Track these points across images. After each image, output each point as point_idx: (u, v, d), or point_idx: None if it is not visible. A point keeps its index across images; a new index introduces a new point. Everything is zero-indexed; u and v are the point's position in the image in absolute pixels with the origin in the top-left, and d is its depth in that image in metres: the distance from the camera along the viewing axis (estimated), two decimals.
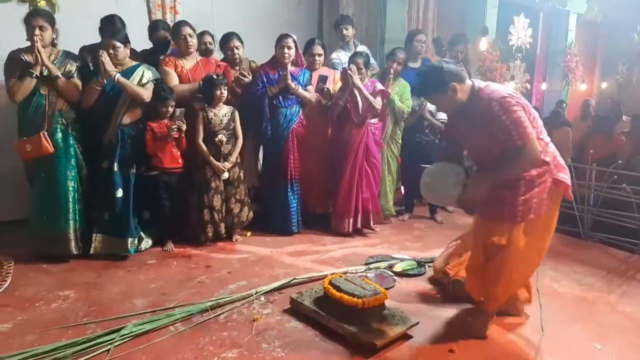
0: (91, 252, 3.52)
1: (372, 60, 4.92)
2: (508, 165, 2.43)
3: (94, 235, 3.55)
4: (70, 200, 3.43)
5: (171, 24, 4.73)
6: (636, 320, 2.94)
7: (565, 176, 2.57)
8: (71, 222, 3.44)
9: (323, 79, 4.20)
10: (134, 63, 3.61)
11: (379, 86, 4.21)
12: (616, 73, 9.92)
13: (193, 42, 3.85)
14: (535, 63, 8.79)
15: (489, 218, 2.57)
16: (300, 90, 4.10)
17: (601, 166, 4.67)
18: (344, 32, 4.76)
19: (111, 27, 3.65)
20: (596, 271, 3.70)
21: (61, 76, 3.37)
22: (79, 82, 3.46)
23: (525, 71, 8.38)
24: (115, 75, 3.40)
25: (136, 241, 3.65)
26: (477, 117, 2.45)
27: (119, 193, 3.54)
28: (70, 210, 3.43)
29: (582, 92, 9.41)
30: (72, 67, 3.46)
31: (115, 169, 3.53)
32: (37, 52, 3.23)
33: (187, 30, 3.82)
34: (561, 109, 7.46)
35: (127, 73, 3.52)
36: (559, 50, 8.87)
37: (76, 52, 3.72)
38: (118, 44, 3.46)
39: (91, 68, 3.62)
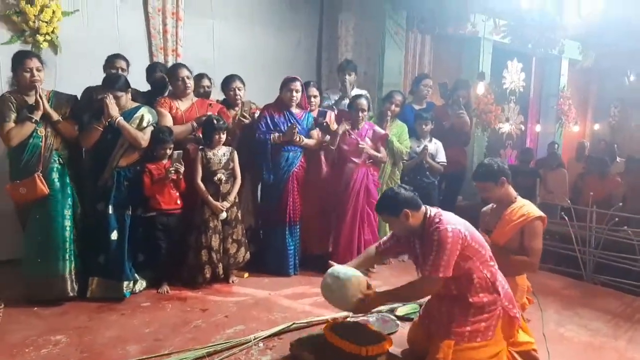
0: (88, 295, 3.44)
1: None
2: (407, 289, 2.62)
3: (90, 278, 3.47)
4: (67, 240, 3.37)
5: None
6: None
7: (514, 309, 2.64)
8: (67, 263, 3.36)
9: (322, 114, 4.23)
10: (135, 105, 3.62)
11: (378, 130, 4.23)
12: (608, 116, 10.09)
13: (190, 83, 3.88)
14: (528, 105, 8.93)
15: (437, 335, 2.58)
16: (306, 141, 4.10)
17: (597, 207, 4.66)
18: (347, 77, 4.81)
19: (111, 78, 3.60)
20: (601, 315, 3.63)
21: (61, 119, 3.38)
22: (73, 123, 3.47)
23: (519, 113, 8.53)
24: (117, 119, 3.41)
25: (131, 284, 3.56)
26: (426, 243, 2.56)
27: (114, 235, 3.48)
28: (67, 250, 3.36)
29: (575, 133, 9.56)
30: (67, 108, 3.47)
31: (110, 211, 3.48)
32: (38, 98, 3.25)
33: (185, 72, 3.85)
34: (554, 150, 7.53)
35: (128, 115, 3.53)
36: (552, 94, 9.03)
37: (79, 92, 3.76)
38: (119, 93, 3.49)
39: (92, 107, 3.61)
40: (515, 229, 3.01)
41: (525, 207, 3.06)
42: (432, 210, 2.62)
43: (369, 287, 2.62)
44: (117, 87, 3.48)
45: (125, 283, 3.50)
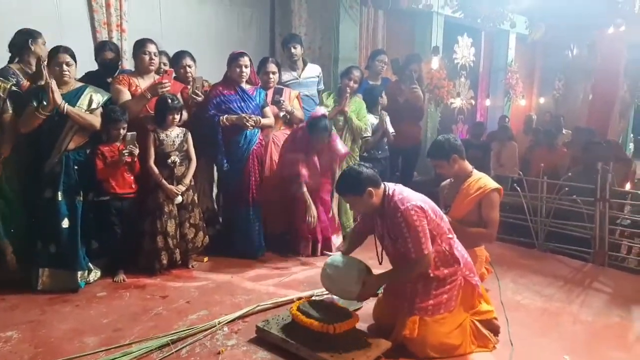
0: (39, 288, 3.26)
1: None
2: (401, 273, 2.67)
3: (40, 270, 3.28)
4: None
5: (118, 43, 4.56)
6: (598, 330, 3.00)
7: (475, 277, 2.72)
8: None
9: (279, 91, 4.13)
10: (79, 84, 3.39)
11: (340, 146, 4.13)
12: (553, 89, 10.44)
13: (155, 61, 3.69)
14: (479, 80, 9.10)
15: (402, 311, 2.63)
16: (262, 121, 3.99)
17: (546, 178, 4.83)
18: (292, 50, 4.72)
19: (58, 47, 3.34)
20: (554, 281, 3.78)
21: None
22: (9, 115, 3.23)
23: (470, 88, 8.69)
24: (64, 107, 3.18)
25: (86, 273, 3.40)
26: (388, 220, 2.59)
27: (65, 223, 3.29)
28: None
29: (522, 107, 9.84)
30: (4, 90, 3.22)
31: (60, 198, 3.28)
32: None
33: (153, 48, 3.66)
34: (505, 124, 7.73)
35: (73, 96, 3.30)
36: (500, 68, 9.24)
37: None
38: (71, 60, 3.25)
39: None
40: (473, 202, 3.10)
41: (481, 180, 3.14)
42: (391, 187, 2.62)
43: (369, 272, 2.64)
44: (70, 52, 3.26)
45: (80, 273, 3.34)
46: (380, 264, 2.79)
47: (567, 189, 4.59)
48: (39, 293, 3.25)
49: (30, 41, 3.55)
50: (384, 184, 2.64)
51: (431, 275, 2.59)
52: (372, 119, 4.70)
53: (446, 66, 7.22)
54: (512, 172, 6.23)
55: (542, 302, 3.37)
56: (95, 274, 3.51)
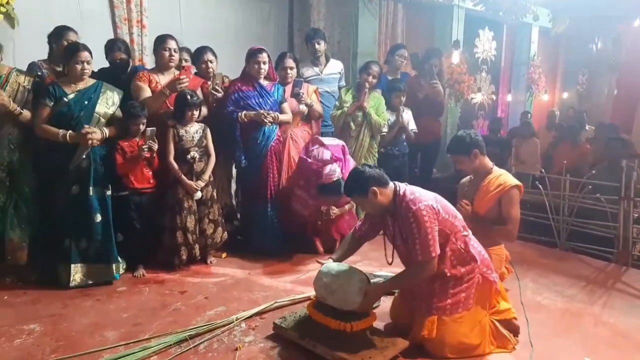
0: (72, 284, 3.28)
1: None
2: (406, 277, 2.62)
3: (72, 266, 3.30)
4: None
5: (137, 39, 4.61)
6: (621, 332, 2.93)
7: (493, 274, 2.66)
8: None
9: (298, 84, 4.11)
10: (92, 81, 3.39)
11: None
12: (576, 84, 10.23)
13: (176, 57, 3.71)
14: (500, 75, 8.96)
15: (419, 311, 2.60)
16: (280, 117, 3.97)
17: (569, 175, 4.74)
18: (316, 46, 4.70)
19: (75, 46, 3.37)
20: (576, 282, 3.71)
21: (22, 111, 3.24)
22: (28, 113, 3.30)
23: (491, 83, 8.56)
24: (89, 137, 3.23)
25: (120, 265, 3.45)
26: (400, 221, 2.55)
27: (98, 218, 3.33)
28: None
29: (545, 102, 9.67)
30: (26, 89, 3.29)
31: (91, 192, 3.31)
32: None
33: (173, 44, 3.68)
34: (527, 119, 7.60)
35: (92, 92, 3.33)
36: (523, 62, 9.09)
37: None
38: (91, 58, 3.29)
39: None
40: (493, 199, 3.05)
41: (502, 177, 3.08)
42: (402, 187, 2.58)
43: (368, 281, 2.57)
44: (89, 50, 3.30)
45: (114, 265, 3.39)
46: (390, 264, 2.75)
47: (590, 186, 4.49)
48: (60, 288, 3.28)
49: (53, 39, 3.64)
50: (395, 184, 2.60)
51: (448, 274, 2.56)
52: (389, 115, 4.65)
53: (467, 60, 7.12)
54: (534, 169, 6.13)
55: (563, 303, 3.31)
56: (123, 266, 3.55)
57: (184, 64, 4.00)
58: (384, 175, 2.60)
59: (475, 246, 2.65)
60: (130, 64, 4.13)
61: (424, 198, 2.51)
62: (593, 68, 10.05)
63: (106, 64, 3.96)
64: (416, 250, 2.45)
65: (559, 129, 7.28)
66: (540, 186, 4.72)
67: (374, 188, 2.53)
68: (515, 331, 2.76)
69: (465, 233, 2.63)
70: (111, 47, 3.96)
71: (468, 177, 3.32)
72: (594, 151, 6.22)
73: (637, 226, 4.30)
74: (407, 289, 2.77)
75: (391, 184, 2.60)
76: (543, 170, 5.29)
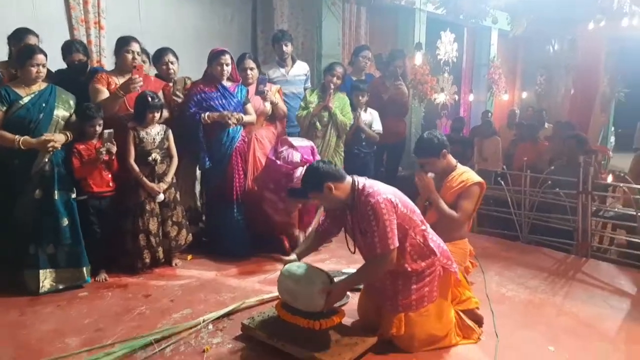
0: (41, 291, 3.18)
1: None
2: (366, 271, 2.59)
3: (41, 272, 3.20)
4: None
5: (95, 40, 4.50)
6: (583, 320, 3.02)
7: (453, 265, 2.68)
8: None
9: (262, 81, 4.09)
10: (44, 84, 3.28)
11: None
12: (535, 84, 10.53)
13: (138, 60, 3.63)
14: (461, 76, 9.15)
15: (385, 309, 2.62)
16: (245, 118, 3.93)
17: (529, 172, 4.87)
18: (284, 48, 4.69)
19: (31, 48, 3.26)
20: (538, 273, 3.80)
21: None
22: None
23: (453, 83, 8.71)
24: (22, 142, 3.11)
25: (89, 269, 3.37)
26: (359, 215, 2.54)
27: (65, 222, 3.23)
28: None
29: (505, 102, 9.92)
30: None
31: (56, 197, 3.22)
32: None
33: (136, 47, 3.61)
34: (488, 119, 7.77)
35: (45, 95, 3.22)
36: (483, 63, 9.30)
37: None
38: (45, 60, 3.18)
39: None
40: (455, 194, 3.11)
41: (465, 174, 3.15)
42: (360, 181, 2.57)
43: (331, 280, 2.55)
44: (44, 54, 3.18)
45: (85, 268, 3.32)
46: (353, 252, 2.70)
47: (549, 182, 4.63)
48: (16, 295, 3.17)
49: (12, 41, 3.57)
50: (353, 178, 2.59)
51: (409, 269, 2.56)
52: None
53: (429, 62, 7.23)
54: (496, 166, 6.28)
55: (526, 294, 3.38)
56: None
57: (137, 59, 3.92)
58: (340, 170, 2.60)
59: (435, 239, 2.67)
60: (89, 65, 4.02)
61: (383, 191, 2.50)
62: (550, 69, 10.38)
63: (62, 66, 3.85)
64: (375, 243, 2.44)
65: (519, 127, 7.48)
66: (502, 182, 4.84)
67: (329, 183, 2.51)
68: (479, 321, 2.81)
69: (423, 227, 2.63)
70: (69, 48, 3.83)
71: (431, 174, 3.36)
72: (552, 148, 6.41)
73: (595, 219, 4.44)
74: (372, 288, 2.76)
75: (348, 178, 2.58)
76: (505, 167, 5.43)
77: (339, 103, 4.48)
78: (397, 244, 2.45)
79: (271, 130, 4.31)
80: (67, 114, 3.31)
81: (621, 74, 10.98)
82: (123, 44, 3.62)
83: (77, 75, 3.76)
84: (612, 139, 11.60)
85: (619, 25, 7.11)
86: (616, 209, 4.78)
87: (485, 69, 9.28)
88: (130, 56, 3.59)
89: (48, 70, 3.35)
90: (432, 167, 3.18)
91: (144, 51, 4.04)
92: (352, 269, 3.63)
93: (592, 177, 4.31)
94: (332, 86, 4.38)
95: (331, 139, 4.45)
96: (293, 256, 2.77)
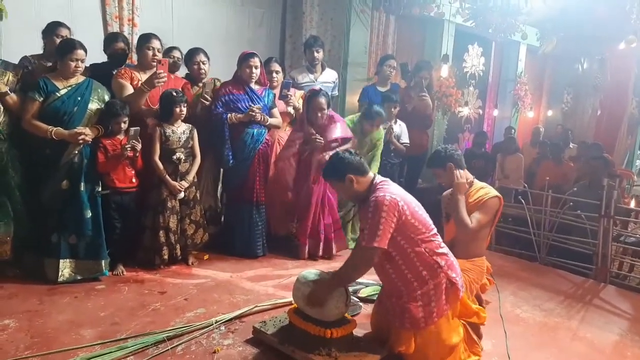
0: (60, 280, 3.26)
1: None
2: (346, 265, 2.52)
3: (61, 261, 3.27)
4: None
5: (128, 37, 4.56)
6: (597, 347, 2.98)
7: (457, 277, 2.57)
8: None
9: (286, 85, 4.13)
10: (82, 77, 3.36)
11: (338, 130, 4.07)
12: (561, 102, 10.39)
13: (159, 57, 3.68)
14: (487, 90, 9.06)
15: (394, 326, 2.58)
16: (270, 121, 3.99)
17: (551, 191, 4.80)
18: (315, 54, 4.73)
19: (71, 42, 3.34)
20: (554, 296, 3.76)
21: (8, 92, 3.15)
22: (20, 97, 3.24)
23: (478, 97, 8.66)
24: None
25: (108, 262, 3.42)
26: (365, 208, 2.49)
27: (88, 213, 3.30)
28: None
29: (530, 119, 9.80)
30: (15, 79, 3.25)
31: (82, 188, 3.29)
32: None
33: (157, 44, 3.67)
34: (511, 135, 7.70)
35: (82, 89, 3.30)
36: (510, 79, 9.20)
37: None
38: (85, 55, 3.26)
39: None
40: (472, 210, 3.05)
41: (482, 190, 3.11)
42: (380, 178, 2.58)
43: (347, 296, 2.53)
44: (84, 48, 3.27)
45: (104, 261, 3.37)
46: None
47: (571, 203, 4.56)
48: (37, 283, 3.24)
49: (45, 34, 3.64)
50: (375, 175, 2.61)
51: (415, 286, 2.49)
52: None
53: (455, 74, 7.21)
54: (517, 183, 6.21)
55: (541, 317, 3.34)
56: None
57: (176, 61, 4.00)
58: (364, 164, 2.62)
59: (445, 252, 2.57)
60: (129, 58, 4.09)
61: (393, 192, 2.45)
62: (578, 88, 10.23)
63: (95, 60, 3.92)
64: (363, 235, 2.42)
65: (543, 145, 7.38)
66: (522, 201, 4.78)
67: (351, 175, 2.54)
68: (480, 336, 2.78)
69: (433, 239, 2.54)
70: (113, 37, 3.96)
71: (450, 189, 3.34)
72: (576, 169, 6.32)
73: (615, 244, 4.37)
74: (382, 305, 2.72)
75: (370, 174, 2.61)
76: (526, 185, 5.36)
77: (377, 136, 4.50)
78: (382, 246, 2.36)
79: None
80: (101, 108, 3.38)
81: None
82: (144, 40, 3.69)
83: (116, 65, 3.80)
84: (638, 162, 11.37)
85: None
86: (638, 235, 4.69)
87: (511, 84, 9.17)
88: (150, 53, 3.65)
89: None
90: (440, 179, 3.19)
91: (175, 48, 4.12)
92: (366, 280, 3.64)
93: (615, 200, 4.24)
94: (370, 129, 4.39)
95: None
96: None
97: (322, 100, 3.97)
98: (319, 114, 3.98)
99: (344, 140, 4.11)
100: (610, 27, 7.25)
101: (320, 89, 4.06)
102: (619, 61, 9.45)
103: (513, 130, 8.09)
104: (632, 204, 5.10)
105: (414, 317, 2.48)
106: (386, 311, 2.67)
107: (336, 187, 2.80)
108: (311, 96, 4.00)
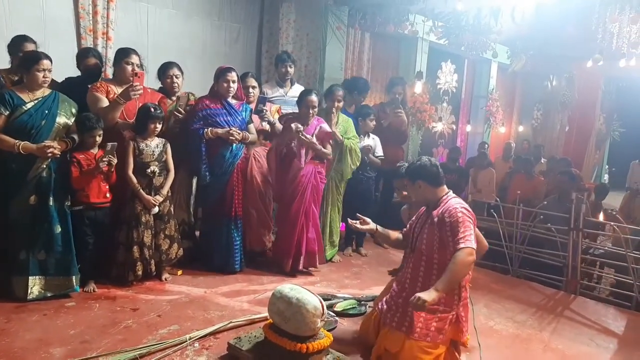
0: (29, 298, 3.16)
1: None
2: (454, 265, 2.49)
3: (30, 278, 3.18)
4: None
5: (102, 51, 4.53)
6: (568, 357, 3.04)
7: (465, 321, 2.71)
8: None
9: (262, 100, 4.15)
10: (48, 90, 3.29)
11: (325, 127, 4.17)
12: (532, 118, 10.66)
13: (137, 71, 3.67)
14: (460, 106, 9.26)
15: (396, 327, 2.66)
16: (250, 138, 4.01)
17: (522, 205, 4.90)
18: (286, 69, 4.76)
19: (35, 54, 3.28)
20: (527, 308, 3.82)
21: None
22: None
23: (451, 113, 8.83)
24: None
25: (79, 278, 3.35)
26: (435, 219, 2.67)
27: (58, 229, 3.23)
28: None
29: (502, 134, 10.03)
30: None
31: (51, 203, 3.22)
32: None
33: (136, 59, 3.67)
34: (484, 150, 7.86)
35: (49, 102, 3.23)
36: (482, 95, 9.43)
37: None
38: (50, 66, 3.20)
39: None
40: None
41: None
42: (452, 194, 2.78)
43: (323, 310, 2.52)
44: (50, 59, 3.21)
45: (74, 277, 3.29)
46: (412, 252, 2.82)
47: (541, 216, 4.66)
48: (3, 301, 3.14)
49: (11, 49, 3.60)
50: (449, 190, 2.79)
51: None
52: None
53: (429, 91, 7.35)
54: (489, 198, 6.33)
55: (514, 328, 3.39)
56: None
57: (136, 70, 3.97)
58: (440, 177, 2.78)
59: (467, 290, 2.74)
60: (103, 73, 4.06)
61: (462, 204, 2.68)
62: (548, 104, 10.52)
63: (67, 74, 3.89)
64: (457, 240, 2.52)
65: (516, 160, 7.55)
66: (494, 214, 4.87)
67: (421, 182, 2.75)
68: (459, 351, 2.81)
69: (468, 276, 2.73)
70: (85, 54, 3.92)
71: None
72: (547, 183, 6.48)
73: (585, 256, 4.47)
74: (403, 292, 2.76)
75: (444, 187, 2.78)
76: (498, 199, 5.46)
77: (343, 126, 4.51)
78: (474, 246, 2.52)
79: (268, 149, 4.34)
80: (68, 121, 3.32)
81: (617, 113, 11.17)
82: (123, 55, 3.67)
83: (90, 80, 3.76)
84: (606, 176, 11.71)
85: (616, 65, 7.28)
86: (606, 247, 4.81)
87: (483, 100, 9.40)
88: (130, 68, 3.63)
89: (52, 80, 3.37)
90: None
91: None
92: (343, 294, 3.65)
93: (584, 214, 4.35)
94: (334, 110, 4.40)
95: (334, 162, 4.46)
96: (372, 225, 3.00)
97: (314, 97, 4.11)
98: (310, 112, 4.09)
99: (324, 136, 4.18)
100: (578, 46, 7.52)
101: (312, 89, 4.21)
102: (586, 78, 9.78)
103: (486, 146, 8.27)
104: (601, 217, 5.23)
105: (412, 324, 2.58)
106: (387, 310, 2.73)
107: (407, 187, 2.98)
108: (304, 94, 4.15)
